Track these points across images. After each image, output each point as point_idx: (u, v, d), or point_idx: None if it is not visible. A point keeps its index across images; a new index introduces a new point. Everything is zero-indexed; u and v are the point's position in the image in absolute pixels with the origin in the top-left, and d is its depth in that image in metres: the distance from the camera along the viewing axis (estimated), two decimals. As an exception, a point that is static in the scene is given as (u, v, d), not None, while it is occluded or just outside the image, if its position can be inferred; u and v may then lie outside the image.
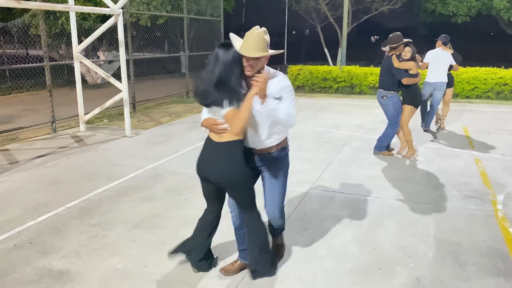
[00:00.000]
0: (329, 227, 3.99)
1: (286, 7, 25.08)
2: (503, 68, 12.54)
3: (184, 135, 7.82)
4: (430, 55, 7.64)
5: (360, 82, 13.64)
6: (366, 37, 32.58)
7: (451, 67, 7.73)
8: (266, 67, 2.76)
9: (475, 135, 7.67)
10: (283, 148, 2.95)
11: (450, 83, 7.88)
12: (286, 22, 27.03)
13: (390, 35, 6.09)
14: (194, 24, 14.57)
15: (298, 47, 28.02)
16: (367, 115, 9.75)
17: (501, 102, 11.85)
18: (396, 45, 5.99)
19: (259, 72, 2.66)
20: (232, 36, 2.68)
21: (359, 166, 5.86)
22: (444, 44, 7.67)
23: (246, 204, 2.89)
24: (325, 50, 20.90)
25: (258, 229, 2.95)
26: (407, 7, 19.94)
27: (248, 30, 2.62)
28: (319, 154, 6.46)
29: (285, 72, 19.94)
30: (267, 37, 2.62)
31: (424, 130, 7.96)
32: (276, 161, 2.94)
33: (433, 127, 8.29)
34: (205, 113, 2.84)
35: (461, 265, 3.31)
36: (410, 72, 5.91)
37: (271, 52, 2.66)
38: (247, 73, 2.64)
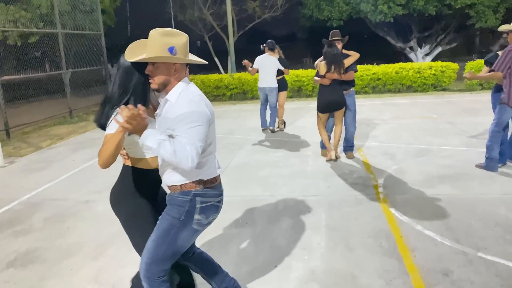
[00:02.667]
0: (226, 232, 3.91)
1: (172, 18, 24.80)
2: (376, 64, 13.80)
3: (67, 158, 7.19)
4: (258, 61, 7.93)
5: (251, 87, 13.95)
6: (255, 44, 33.59)
7: (282, 72, 8.03)
8: (181, 84, 2.19)
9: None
10: (187, 193, 2.24)
11: (282, 87, 8.15)
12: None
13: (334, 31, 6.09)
14: (73, 40, 13.62)
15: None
16: (259, 118, 9.94)
17: (377, 95, 13.01)
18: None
19: (165, 86, 2.18)
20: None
21: (254, 168, 5.92)
22: (271, 49, 7.94)
23: (136, 246, 2.46)
24: (215, 59, 21.07)
25: None
26: (287, 13, 21.01)
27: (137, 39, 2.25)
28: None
29: None
30: (170, 39, 2.09)
31: (271, 130, 8.12)
32: (173, 203, 2.28)
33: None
34: None
35: (350, 250, 3.46)
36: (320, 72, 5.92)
37: (162, 56, 2.09)
38: (152, 85, 2.21)
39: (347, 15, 18.92)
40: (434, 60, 18.86)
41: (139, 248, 2.40)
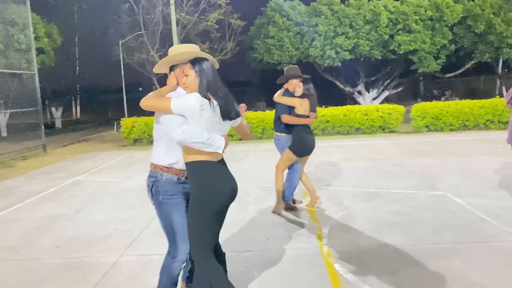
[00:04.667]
0: (135, 303, 3.15)
1: (121, 61, 24.27)
2: (324, 107, 13.72)
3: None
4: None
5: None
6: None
7: None
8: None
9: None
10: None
11: None
12: (123, 76, 26.00)
13: (286, 68, 5.22)
14: (7, 80, 12.67)
15: (138, 102, 27.08)
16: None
17: (326, 137, 12.81)
18: (287, 79, 5.09)
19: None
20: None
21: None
22: None
23: None
24: (164, 101, 20.49)
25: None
26: (238, 57, 21.04)
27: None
28: (142, 211, 5.63)
29: (113, 126, 18.65)
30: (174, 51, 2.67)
31: None
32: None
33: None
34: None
35: (284, 322, 2.80)
36: (296, 111, 4.97)
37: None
38: None
39: (297, 59, 19.15)
40: (381, 103, 19.28)
41: None
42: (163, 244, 4.37)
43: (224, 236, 4.45)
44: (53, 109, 28.69)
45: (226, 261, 3.82)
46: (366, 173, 7.22)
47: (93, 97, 35.49)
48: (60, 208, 6.03)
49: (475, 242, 3.97)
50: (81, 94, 33.93)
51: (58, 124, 27.98)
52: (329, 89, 24.05)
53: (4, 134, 19.98)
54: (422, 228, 4.41)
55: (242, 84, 34.61)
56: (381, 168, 7.57)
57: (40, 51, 15.56)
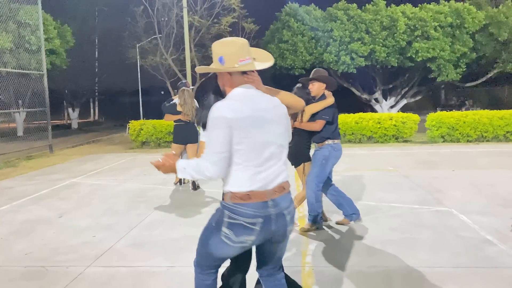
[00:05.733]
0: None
1: (138, 63, 24.39)
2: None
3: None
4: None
5: (206, 134, 13.17)
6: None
7: None
8: (233, 91, 2.18)
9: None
10: (222, 202, 2.19)
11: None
12: (140, 80, 26.09)
13: (316, 70, 4.65)
14: (17, 79, 12.73)
15: (154, 105, 27.17)
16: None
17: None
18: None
19: (226, 95, 2.21)
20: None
21: (168, 227, 4.92)
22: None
23: None
24: (177, 105, 20.41)
25: None
26: (252, 62, 20.72)
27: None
28: (126, 217, 5.37)
29: (125, 129, 18.64)
30: (220, 49, 2.14)
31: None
32: (217, 209, 2.27)
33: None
34: None
35: None
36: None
37: (208, 67, 2.21)
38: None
39: (310, 65, 18.78)
40: (399, 112, 18.72)
41: None
42: (136, 256, 4.11)
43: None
44: (69, 110, 29.02)
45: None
46: (370, 184, 6.81)
47: (110, 99, 35.85)
48: (45, 212, 5.82)
49: (476, 267, 3.55)
50: (99, 96, 34.32)
51: (75, 125, 28.27)
52: (345, 96, 23.55)
53: (20, 133, 20.23)
54: (419, 249, 4.00)
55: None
56: (387, 180, 7.14)
57: (51, 52, 15.65)
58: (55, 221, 5.36)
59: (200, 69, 2.35)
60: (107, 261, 3.94)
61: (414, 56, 17.60)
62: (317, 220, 4.56)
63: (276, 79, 23.06)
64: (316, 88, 4.50)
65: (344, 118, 12.93)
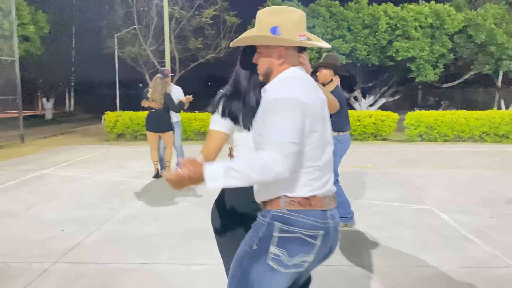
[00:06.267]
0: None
1: (116, 54, 23.78)
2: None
3: None
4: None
5: (185, 127, 12.90)
6: (201, 85, 33.14)
7: (183, 104, 6.76)
8: (288, 71, 1.72)
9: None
10: (265, 213, 1.68)
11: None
12: (117, 71, 25.42)
13: (330, 55, 4.43)
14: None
15: (132, 97, 26.57)
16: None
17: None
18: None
19: (268, 76, 1.75)
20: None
21: (141, 222, 4.70)
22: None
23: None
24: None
25: None
26: (233, 56, 20.52)
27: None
28: (98, 211, 5.12)
29: (100, 120, 18.25)
30: (274, 18, 1.67)
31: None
32: (254, 225, 1.72)
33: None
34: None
35: None
36: None
37: (258, 36, 1.69)
38: (259, 77, 1.80)
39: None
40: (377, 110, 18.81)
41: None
42: (107, 252, 3.88)
43: (179, 248, 3.96)
44: (44, 100, 28.11)
45: (173, 275, 3.34)
46: (348, 182, 6.71)
47: (87, 90, 34.90)
48: (12, 204, 5.52)
49: (458, 266, 3.48)
50: (75, 86, 33.36)
51: (49, 115, 27.38)
52: (325, 93, 23.56)
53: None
54: (400, 247, 3.92)
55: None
56: (366, 177, 7.08)
57: (25, 39, 15.04)
58: (22, 214, 5.07)
59: (242, 41, 1.77)
60: (75, 257, 3.71)
61: (394, 56, 17.69)
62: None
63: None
64: (323, 74, 4.32)
65: (325, 115, 12.89)
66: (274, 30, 1.67)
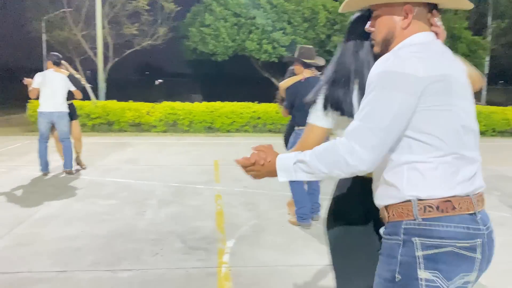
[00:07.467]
0: None
1: (43, 39, 21.98)
2: (257, 103, 13.09)
3: None
4: (38, 78, 6.12)
5: (118, 118, 12.20)
6: (137, 74, 31.87)
7: (72, 95, 6.34)
8: (412, 38, 1.33)
9: (224, 169, 7.03)
10: (395, 226, 1.28)
11: (73, 114, 6.55)
12: (44, 56, 23.60)
13: (301, 48, 4.34)
14: None
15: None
16: (114, 154, 8.27)
17: (256, 134, 12.19)
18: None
19: (386, 45, 1.38)
20: None
21: (63, 224, 4.20)
22: (55, 64, 6.19)
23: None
24: (86, 85, 18.76)
25: None
26: (170, 44, 19.83)
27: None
28: (12, 211, 4.53)
29: (25, 109, 16.93)
30: None
31: (67, 172, 6.30)
32: (384, 248, 1.34)
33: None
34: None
35: None
36: None
37: None
38: (374, 49, 1.45)
39: (233, 51, 18.39)
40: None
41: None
42: (19, 259, 3.37)
43: (103, 252, 3.55)
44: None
45: (94, 284, 2.95)
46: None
47: (10, 76, 32.24)
48: None
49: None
50: (-4, 72, 30.68)
51: (-35, 103, 24.90)
52: (264, 86, 23.63)
53: None
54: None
55: (177, 76, 33.31)
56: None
57: None
58: None
59: (356, 2, 1.43)
60: (-23, 267, 3.19)
61: (333, 50, 18.02)
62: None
63: (198, 65, 22.42)
64: (297, 69, 4.26)
65: (265, 107, 12.79)
66: None
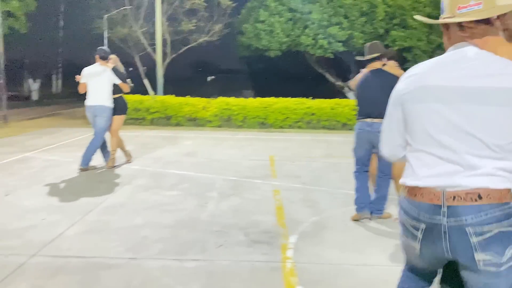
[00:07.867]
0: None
1: (105, 36, 23.05)
2: (311, 98, 12.94)
3: None
4: (85, 73, 6.15)
5: (176, 113, 12.56)
6: (192, 70, 32.56)
7: (119, 89, 6.28)
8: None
9: (280, 164, 7.01)
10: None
11: (118, 109, 6.33)
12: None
13: (369, 44, 4.28)
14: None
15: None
16: (173, 147, 8.51)
17: (310, 131, 12.05)
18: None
19: None
20: None
21: (130, 212, 4.37)
22: (102, 58, 6.17)
23: None
24: (144, 81, 19.47)
25: None
26: (225, 40, 20.06)
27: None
28: (82, 199, 4.77)
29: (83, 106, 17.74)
30: None
31: (82, 169, 6.07)
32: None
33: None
34: None
35: None
36: None
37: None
38: None
39: (287, 47, 18.29)
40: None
41: None
42: (89, 244, 3.55)
43: (169, 241, 3.64)
44: (30, 81, 27.34)
45: (163, 270, 3.03)
46: (349, 173, 6.45)
47: (75, 71, 34.03)
48: (-10, 189, 5.14)
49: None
50: (63, 67, 32.50)
51: (35, 96, 26.63)
52: (318, 82, 23.31)
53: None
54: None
55: (229, 72, 33.65)
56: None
57: (10, 15, 14.37)
58: (0, 200, 4.70)
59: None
60: (55, 249, 3.38)
61: (391, 45, 17.40)
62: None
63: (251, 61, 22.53)
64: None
65: (319, 104, 12.62)
66: (442, 8, 1.51)
